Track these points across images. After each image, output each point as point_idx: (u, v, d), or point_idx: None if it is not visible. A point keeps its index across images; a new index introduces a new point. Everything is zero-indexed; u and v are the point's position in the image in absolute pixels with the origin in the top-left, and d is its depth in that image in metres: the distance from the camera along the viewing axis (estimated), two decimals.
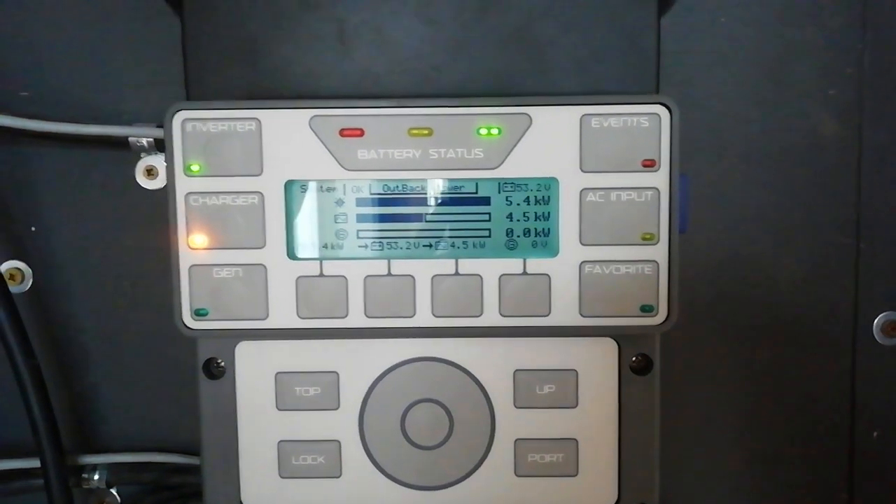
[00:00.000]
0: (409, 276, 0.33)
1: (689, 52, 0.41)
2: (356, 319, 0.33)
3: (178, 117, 0.32)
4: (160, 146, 0.40)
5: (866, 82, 0.41)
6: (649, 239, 0.33)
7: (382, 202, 0.33)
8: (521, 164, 0.33)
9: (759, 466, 0.43)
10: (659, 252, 0.33)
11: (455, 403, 0.35)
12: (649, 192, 0.33)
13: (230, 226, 0.33)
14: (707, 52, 0.41)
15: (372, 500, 0.35)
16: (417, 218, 0.33)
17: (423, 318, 0.33)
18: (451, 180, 0.33)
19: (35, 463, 0.40)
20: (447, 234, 0.33)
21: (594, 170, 0.33)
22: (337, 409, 0.35)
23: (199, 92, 0.34)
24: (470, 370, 0.35)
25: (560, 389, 0.35)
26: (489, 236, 0.33)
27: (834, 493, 0.43)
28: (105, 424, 0.43)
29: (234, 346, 0.35)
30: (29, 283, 0.42)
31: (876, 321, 0.42)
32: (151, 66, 0.41)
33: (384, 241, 0.33)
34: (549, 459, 0.35)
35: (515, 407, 0.35)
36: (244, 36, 0.33)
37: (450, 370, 0.35)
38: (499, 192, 0.33)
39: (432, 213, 0.33)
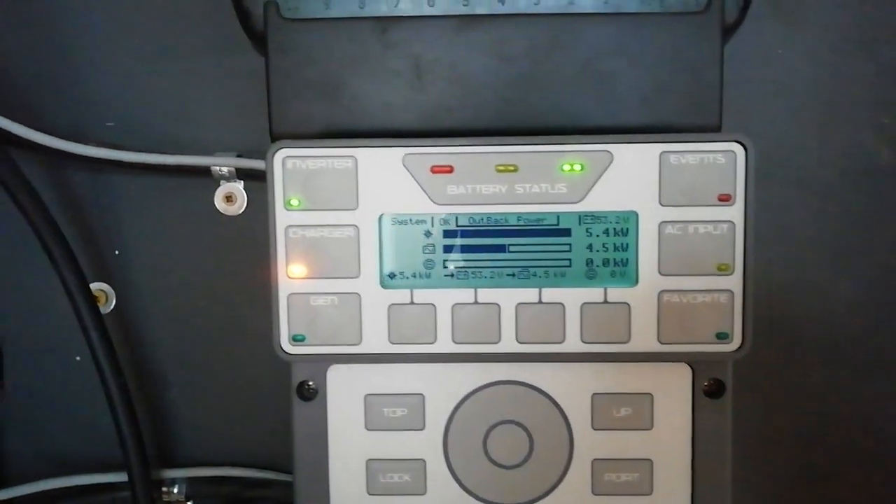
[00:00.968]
0: (495, 304, 0.35)
1: (746, 81, 0.42)
2: (444, 345, 0.35)
3: (280, 155, 0.34)
4: (240, 174, 0.42)
5: None
6: (725, 269, 0.34)
7: (469, 234, 0.35)
8: (603, 199, 0.34)
9: (816, 487, 0.44)
10: (734, 282, 0.34)
11: (535, 425, 0.36)
12: (725, 226, 0.34)
13: (327, 257, 0.35)
14: (764, 81, 0.42)
15: None
16: (501, 249, 0.35)
17: (508, 345, 0.35)
18: (533, 213, 0.35)
19: (121, 477, 0.42)
20: (530, 264, 0.35)
21: (672, 203, 0.34)
22: (422, 429, 0.36)
23: (282, 125, 0.35)
24: (550, 393, 0.36)
25: (636, 412, 0.36)
26: (569, 266, 0.35)
27: None
28: (182, 439, 0.45)
29: (326, 370, 0.36)
30: (112, 303, 0.44)
31: None
32: (231, 98, 0.42)
33: (470, 270, 0.35)
34: (625, 479, 0.36)
35: (593, 429, 0.36)
36: (325, 72, 0.35)
37: (530, 393, 0.36)
38: (579, 224, 0.35)
39: (515, 244, 0.35)
